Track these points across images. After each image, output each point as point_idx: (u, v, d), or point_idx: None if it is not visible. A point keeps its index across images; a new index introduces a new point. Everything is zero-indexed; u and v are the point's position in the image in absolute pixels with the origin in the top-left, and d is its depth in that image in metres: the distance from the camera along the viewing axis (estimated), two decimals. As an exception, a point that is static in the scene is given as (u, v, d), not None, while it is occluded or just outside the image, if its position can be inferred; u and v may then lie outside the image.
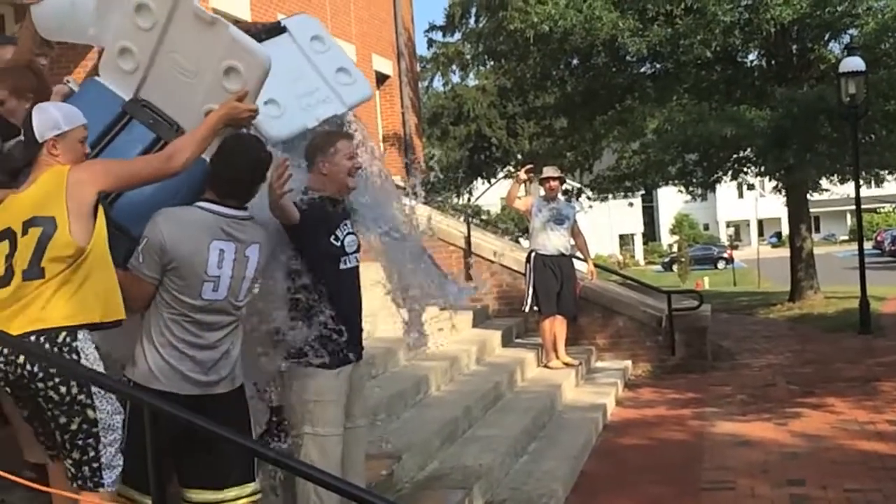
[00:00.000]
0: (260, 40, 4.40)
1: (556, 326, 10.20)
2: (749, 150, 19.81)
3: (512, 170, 33.71)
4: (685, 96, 20.07)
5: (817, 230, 61.13)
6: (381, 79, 17.81)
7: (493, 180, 38.74)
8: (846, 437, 7.95)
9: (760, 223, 73.96)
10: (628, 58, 19.93)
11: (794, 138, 17.78)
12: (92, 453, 3.64)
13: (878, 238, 55.45)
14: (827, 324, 15.96)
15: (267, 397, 4.49)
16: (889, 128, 17.83)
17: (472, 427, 7.36)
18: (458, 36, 32.60)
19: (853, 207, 16.59)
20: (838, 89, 15.34)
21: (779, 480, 6.77)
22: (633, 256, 74.37)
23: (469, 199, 40.21)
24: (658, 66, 20.29)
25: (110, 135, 4.22)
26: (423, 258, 5.15)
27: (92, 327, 3.68)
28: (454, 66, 34.40)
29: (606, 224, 65.49)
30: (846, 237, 69.64)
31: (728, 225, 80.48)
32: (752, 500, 6.40)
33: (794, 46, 19.89)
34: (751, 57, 20.64)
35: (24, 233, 3.62)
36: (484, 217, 34.60)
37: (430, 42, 34.37)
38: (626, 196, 25.32)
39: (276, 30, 4.86)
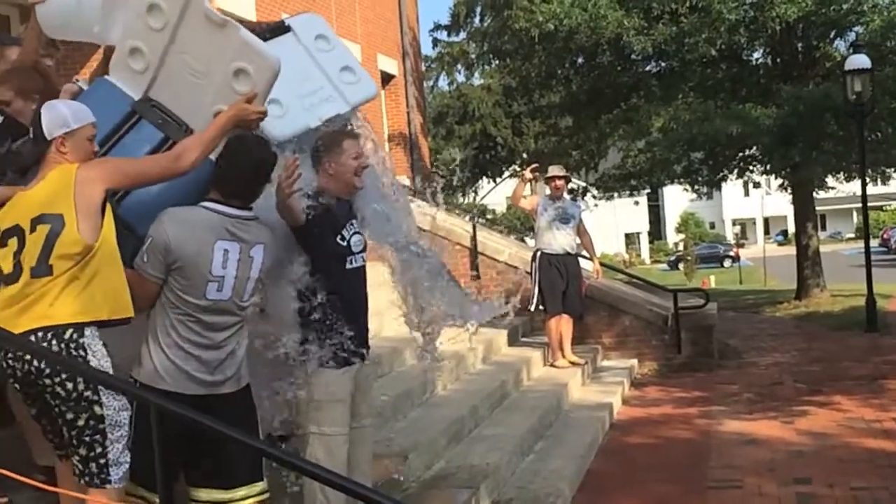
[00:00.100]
0: (264, 40, 4.41)
1: (563, 325, 10.20)
2: (755, 148, 19.79)
3: (517, 169, 33.72)
4: (690, 94, 20.05)
5: (823, 228, 61.06)
6: (386, 78, 17.81)
7: (498, 179, 38.77)
8: (853, 435, 7.93)
9: (766, 221, 73.84)
10: (633, 56, 19.94)
11: (800, 136, 17.75)
12: (99, 449, 3.66)
13: (885, 236, 55.34)
14: (833, 322, 15.93)
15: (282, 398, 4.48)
16: (895, 125, 17.79)
17: (479, 426, 7.36)
18: (462, 35, 32.65)
19: (859, 205, 16.59)
20: (844, 87, 15.31)
21: (785, 479, 6.76)
22: (638, 255, 74.30)
23: (474, 199, 40.24)
24: (663, 64, 20.26)
25: (119, 133, 4.24)
26: (441, 275, 5.05)
27: (100, 324, 3.69)
28: (459, 66, 34.48)
29: (612, 223, 65.44)
30: (852, 235, 69.51)
31: (734, 223, 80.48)
32: (759, 499, 6.38)
33: (800, 44, 19.86)
34: (756, 55, 20.62)
35: (33, 230, 3.64)
36: (489, 216, 34.61)
37: (435, 41, 34.48)
38: (631, 195, 25.31)
39: (281, 29, 4.87)
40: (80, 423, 3.63)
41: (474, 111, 34.73)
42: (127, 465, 3.73)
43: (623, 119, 20.88)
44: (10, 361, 3.65)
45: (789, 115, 17.38)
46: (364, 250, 4.64)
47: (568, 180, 11.11)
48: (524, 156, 33.03)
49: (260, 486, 4.05)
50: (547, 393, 8.83)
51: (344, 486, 3.66)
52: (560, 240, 10.15)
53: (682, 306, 11.65)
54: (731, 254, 57.40)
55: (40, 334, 3.59)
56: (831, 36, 19.62)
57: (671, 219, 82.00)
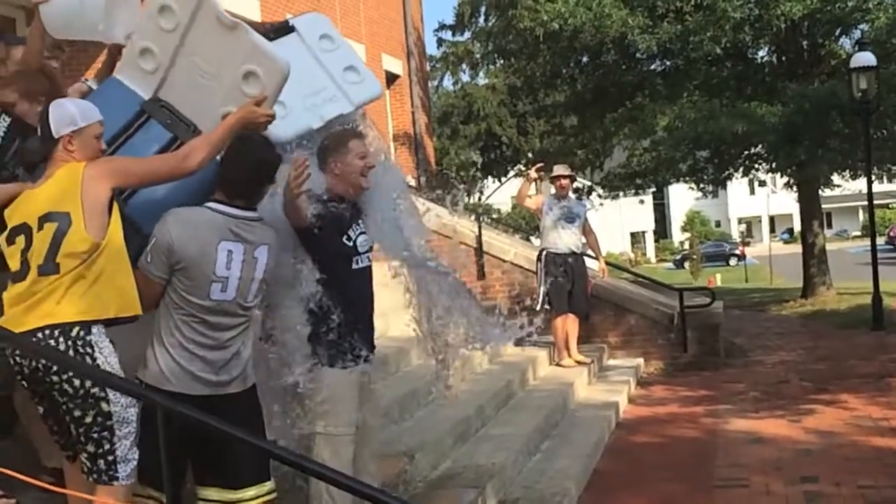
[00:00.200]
0: (269, 40, 4.41)
1: (569, 325, 10.20)
2: (760, 146, 19.76)
3: (522, 168, 33.71)
4: (696, 93, 20.03)
5: (829, 226, 60.90)
6: (391, 78, 17.82)
7: (503, 179, 38.76)
8: (860, 433, 7.91)
9: (772, 219, 73.81)
10: (638, 55, 19.92)
11: (806, 134, 17.72)
12: (107, 446, 3.66)
13: (891, 233, 55.15)
14: (840, 320, 15.91)
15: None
16: (901, 123, 17.78)
17: (485, 426, 7.36)
18: (467, 35, 32.68)
19: (865, 203, 16.55)
20: (849, 85, 15.29)
21: (792, 477, 6.75)
22: (644, 254, 74.30)
23: (480, 198, 40.24)
24: (668, 63, 20.24)
25: (128, 132, 4.26)
26: (462, 294, 4.92)
27: (107, 322, 3.70)
28: (464, 65, 34.50)
29: (617, 222, 65.42)
30: (858, 233, 69.38)
31: (740, 221, 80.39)
32: (766, 498, 6.37)
33: (805, 42, 19.83)
34: (761, 53, 20.58)
35: (40, 228, 3.66)
36: (494, 216, 34.63)
37: (440, 41, 34.50)
38: (637, 193, 25.24)
39: (285, 29, 4.87)
40: (88, 420, 3.64)
41: (479, 111, 34.76)
42: (135, 462, 3.74)
43: (628, 118, 20.87)
44: (17, 358, 3.67)
45: (795, 113, 17.36)
46: (370, 250, 4.63)
47: (573, 179, 11.13)
48: (529, 155, 33.01)
49: (268, 485, 4.05)
50: (553, 392, 8.82)
51: (350, 486, 3.66)
52: (565, 239, 10.14)
53: (688, 305, 11.64)
54: (737, 252, 57.34)
55: (47, 332, 3.60)
56: (836, 33, 19.61)
57: (677, 217, 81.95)
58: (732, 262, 56.63)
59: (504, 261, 12.11)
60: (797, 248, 25.24)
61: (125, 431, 3.69)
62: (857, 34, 18.28)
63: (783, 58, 20.15)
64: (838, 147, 18.12)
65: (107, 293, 3.67)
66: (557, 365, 10.11)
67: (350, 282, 4.49)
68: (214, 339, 3.92)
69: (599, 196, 25.13)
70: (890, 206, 69.81)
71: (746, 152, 20.47)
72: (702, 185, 22.61)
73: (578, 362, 10.12)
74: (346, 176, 4.49)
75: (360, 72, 4.93)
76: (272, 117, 4.13)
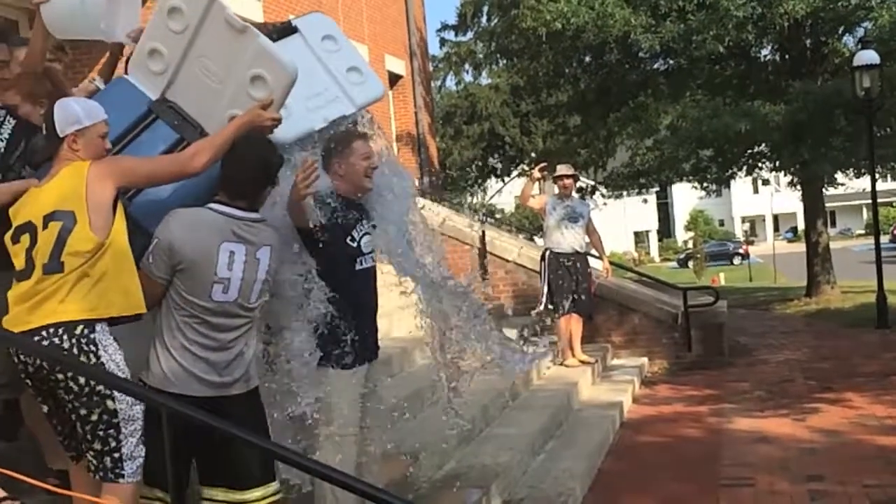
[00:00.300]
0: (272, 41, 4.41)
1: (572, 324, 10.19)
2: (764, 145, 19.73)
3: (526, 168, 33.72)
4: (699, 92, 20.01)
5: (833, 225, 60.90)
6: (393, 79, 17.83)
7: (506, 179, 38.75)
8: (864, 432, 7.91)
9: (776, 218, 73.64)
10: (641, 54, 19.90)
11: (809, 133, 17.71)
12: (113, 444, 3.67)
13: (895, 231, 55.19)
14: (844, 319, 15.89)
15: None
16: (904, 121, 17.76)
17: (489, 426, 7.36)
18: (470, 35, 32.69)
19: (869, 201, 16.53)
20: (853, 83, 15.28)
21: (798, 476, 6.74)
22: (648, 253, 74.23)
23: (483, 198, 40.23)
24: (671, 62, 20.20)
25: (134, 132, 4.26)
26: (480, 315, 4.82)
27: (111, 321, 3.70)
28: (467, 66, 34.51)
29: (621, 221, 65.39)
30: (862, 231, 69.33)
31: (743, 220, 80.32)
32: (772, 497, 6.37)
33: (808, 40, 19.79)
34: (764, 52, 20.53)
35: (45, 227, 3.67)
36: (498, 216, 34.62)
37: (443, 41, 34.50)
38: (640, 193, 25.21)
39: (288, 30, 4.87)
40: (94, 418, 3.65)
41: (482, 111, 34.75)
42: (141, 460, 3.74)
43: (631, 117, 20.84)
44: (21, 357, 3.68)
45: (798, 111, 17.33)
46: (374, 251, 4.63)
47: (576, 179, 11.10)
48: (532, 155, 33.03)
49: (274, 485, 4.06)
50: (557, 392, 8.82)
51: (355, 487, 3.66)
52: (569, 239, 10.13)
53: (692, 304, 11.64)
54: (741, 251, 57.29)
55: (52, 330, 3.61)
56: (840, 32, 19.55)
57: (680, 217, 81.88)
58: (736, 261, 56.55)
59: (507, 261, 12.11)
60: (801, 246, 25.23)
61: (131, 429, 3.70)
62: (860, 32, 18.22)
63: (786, 56, 20.12)
64: (842, 145, 18.08)
65: (111, 292, 3.68)
66: (561, 365, 10.10)
67: (353, 282, 4.49)
68: (217, 340, 3.92)
69: (603, 195, 25.12)
70: (894, 204, 69.67)
71: (750, 151, 20.44)
72: (705, 185, 22.58)
73: (582, 362, 10.12)
74: (350, 177, 4.50)
75: (363, 72, 4.93)
76: (278, 121, 4.14)
